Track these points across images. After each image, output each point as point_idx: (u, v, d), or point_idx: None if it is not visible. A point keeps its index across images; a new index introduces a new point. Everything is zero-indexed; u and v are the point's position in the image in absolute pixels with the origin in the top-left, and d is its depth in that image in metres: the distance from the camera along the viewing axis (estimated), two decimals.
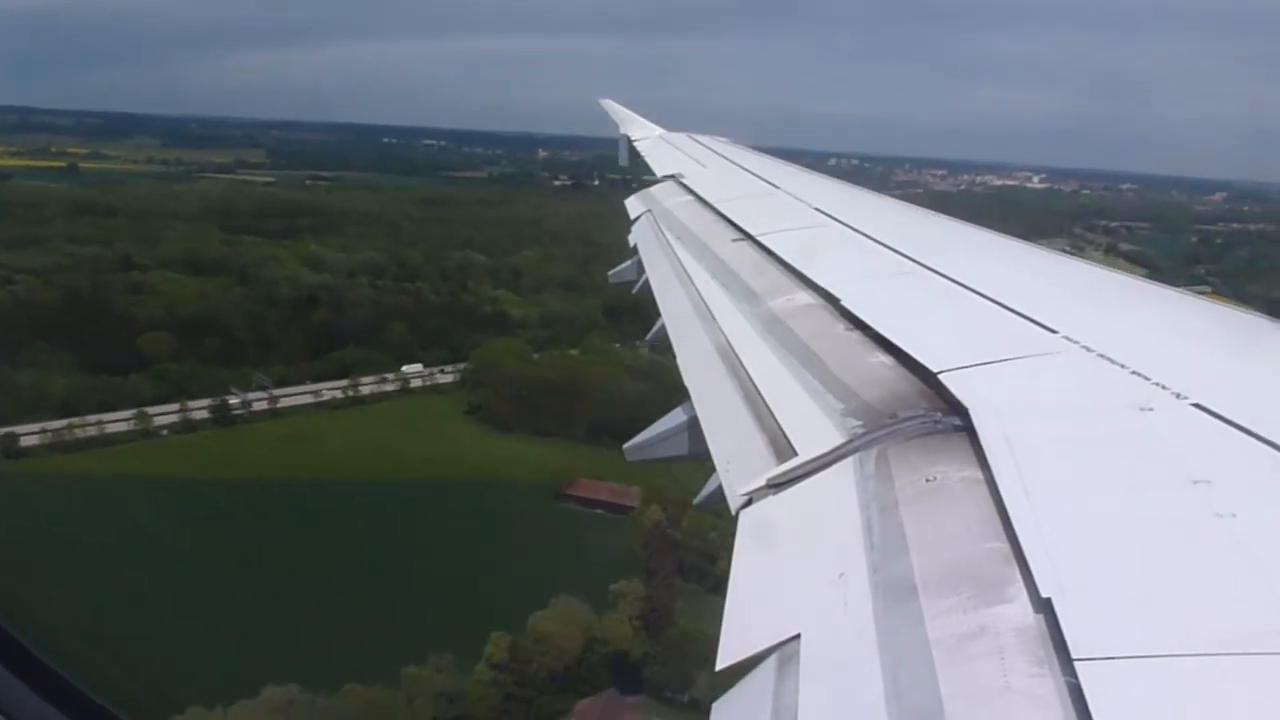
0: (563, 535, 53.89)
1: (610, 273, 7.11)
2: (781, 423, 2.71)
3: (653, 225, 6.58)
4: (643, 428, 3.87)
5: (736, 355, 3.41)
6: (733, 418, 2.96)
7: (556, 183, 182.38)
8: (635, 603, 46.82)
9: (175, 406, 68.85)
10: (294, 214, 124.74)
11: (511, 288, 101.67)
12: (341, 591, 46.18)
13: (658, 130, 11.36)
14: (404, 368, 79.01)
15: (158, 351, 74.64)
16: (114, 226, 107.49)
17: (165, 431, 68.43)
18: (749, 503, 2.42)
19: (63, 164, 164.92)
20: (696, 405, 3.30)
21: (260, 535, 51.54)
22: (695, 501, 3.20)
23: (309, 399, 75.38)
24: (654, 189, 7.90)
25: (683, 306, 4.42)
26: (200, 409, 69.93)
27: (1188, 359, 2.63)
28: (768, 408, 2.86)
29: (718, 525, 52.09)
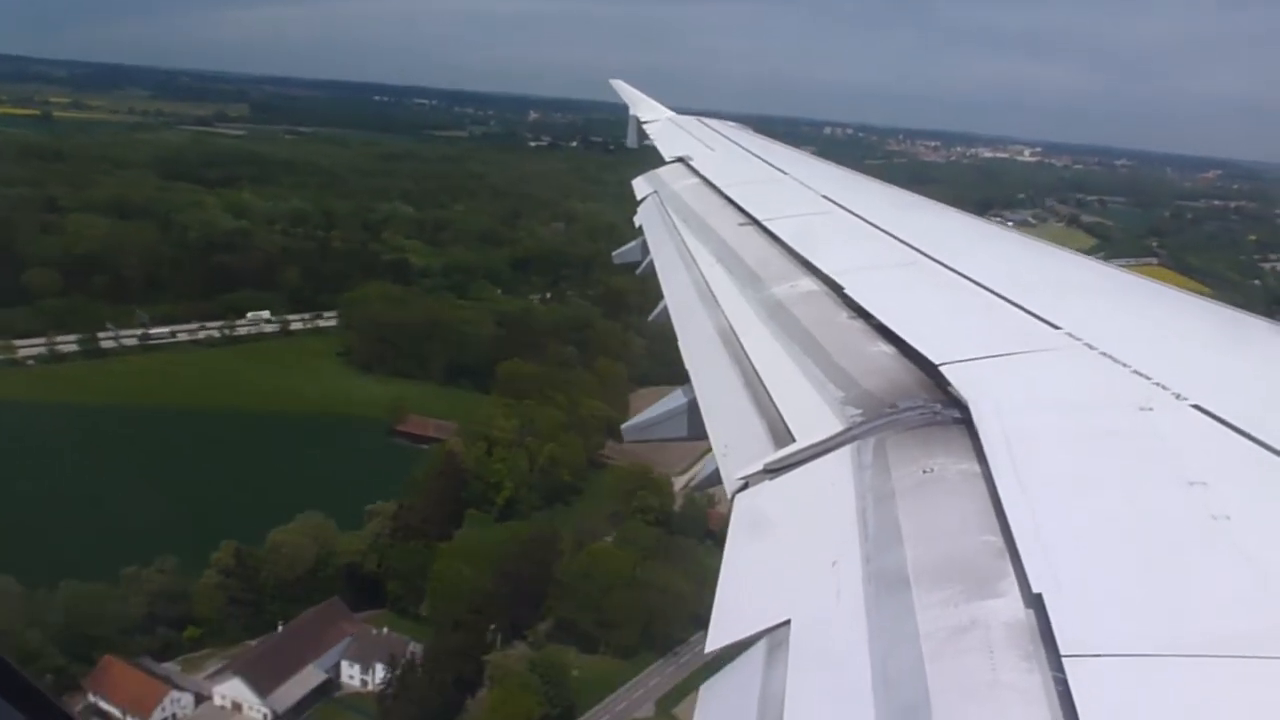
0: (369, 464, 56.20)
1: (615, 253, 7.12)
2: (780, 408, 2.70)
3: (659, 207, 6.52)
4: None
5: (738, 340, 3.39)
6: (732, 402, 2.94)
7: (533, 143, 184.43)
8: (385, 522, 49.02)
9: (44, 340, 70.81)
10: (242, 164, 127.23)
11: (428, 239, 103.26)
12: (122, 506, 47.78)
13: (667, 112, 11.28)
14: (249, 314, 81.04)
15: (43, 287, 75.62)
16: (54, 170, 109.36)
17: (31, 362, 69.79)
18: (745, 487, 2.40)
19: (38, 112, 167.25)
20: (696, 388, 3.28)
21: (68, 453, 53.46)
22: (692, 484, 3.16)
23: (186, 337, 77.46)
24: (661, 171, 7.83)
25: (686, 289, 4.38)
26: (69, 343, 71.47)
27: (1190, 360, 2.64)
28: (767, 393, 2.84)
29: (505, 459, 54.58)
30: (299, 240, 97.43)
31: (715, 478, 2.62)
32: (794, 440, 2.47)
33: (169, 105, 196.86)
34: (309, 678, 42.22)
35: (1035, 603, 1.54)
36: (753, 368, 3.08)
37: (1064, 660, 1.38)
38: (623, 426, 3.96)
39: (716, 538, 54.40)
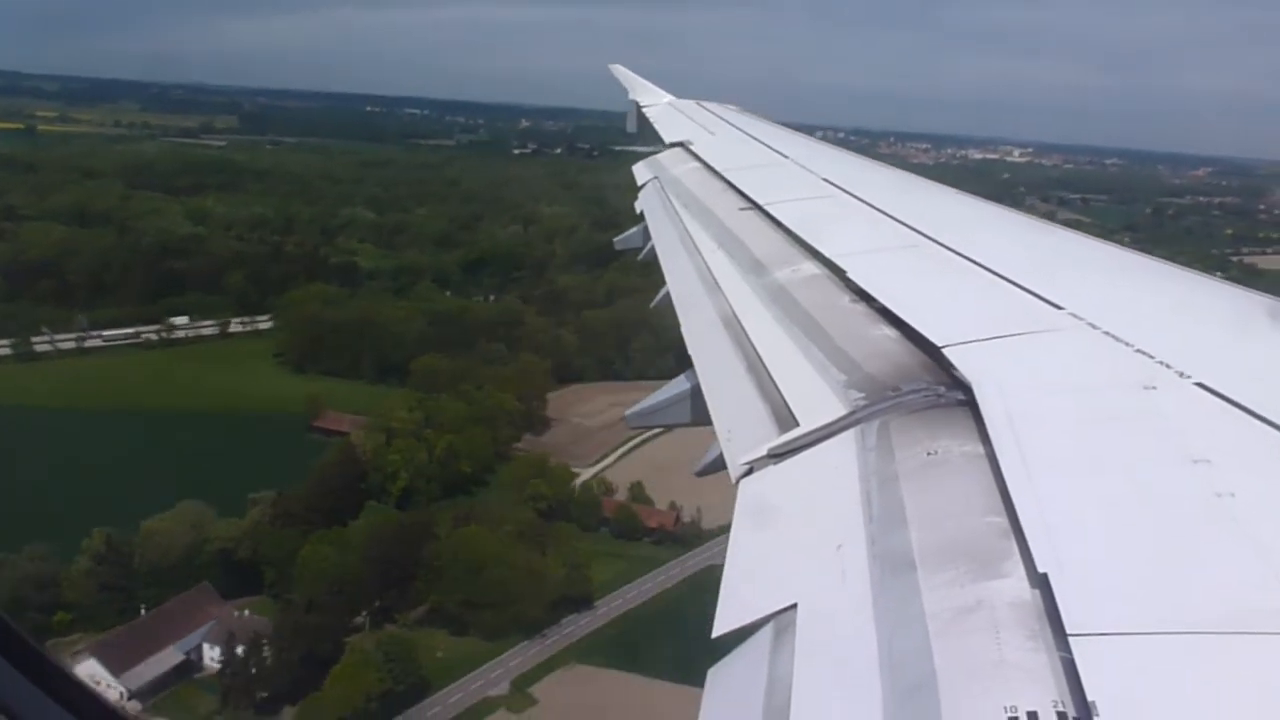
0: (278, 458, 57.80)
1: (616, 239, 7.08)
2: (784, 393, 2.69)
3: (659, 192, 6.49)
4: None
5: (741, 324, 3.38)
6: (735, 387, 2.94)
7: (517, 150, 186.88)
8: (265, 509, 50.73)
9: None
10: (212, 173, 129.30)
11: (384, 242, 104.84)
12: (10, 502, 48.36)
13: (667, 97, 11.16)
14: (171, 319, 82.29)
15: None
16: (20, 180, 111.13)
17: None
18: (749, 472, 2.40)
19: (23, 125, 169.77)
20: (700, 373, 3.27)
21: None
22: (696, 470, 3.14)
23: (127, 340, 78.25)
24: (661, 156, 7.79)
25: (688, 274, 4.36)
26: (2, 346, 72.82)
27: (1192, 338, 2.64)
28: (770, 378, 2.84)
29: (402, 450, 55.96)
30: (253, 245, 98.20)
31: (720, 463, 2.61)
32: (798, 425, 2.47)
33: (159, 118, 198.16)
34: (167, 658, 43.59)
35: (1040, 582, 1.54)
36: (755, 353, 3.07)
37: (1070, 639, 1.38)
38: (626, 413, 3.94)
39: (611, 524, 54.57)
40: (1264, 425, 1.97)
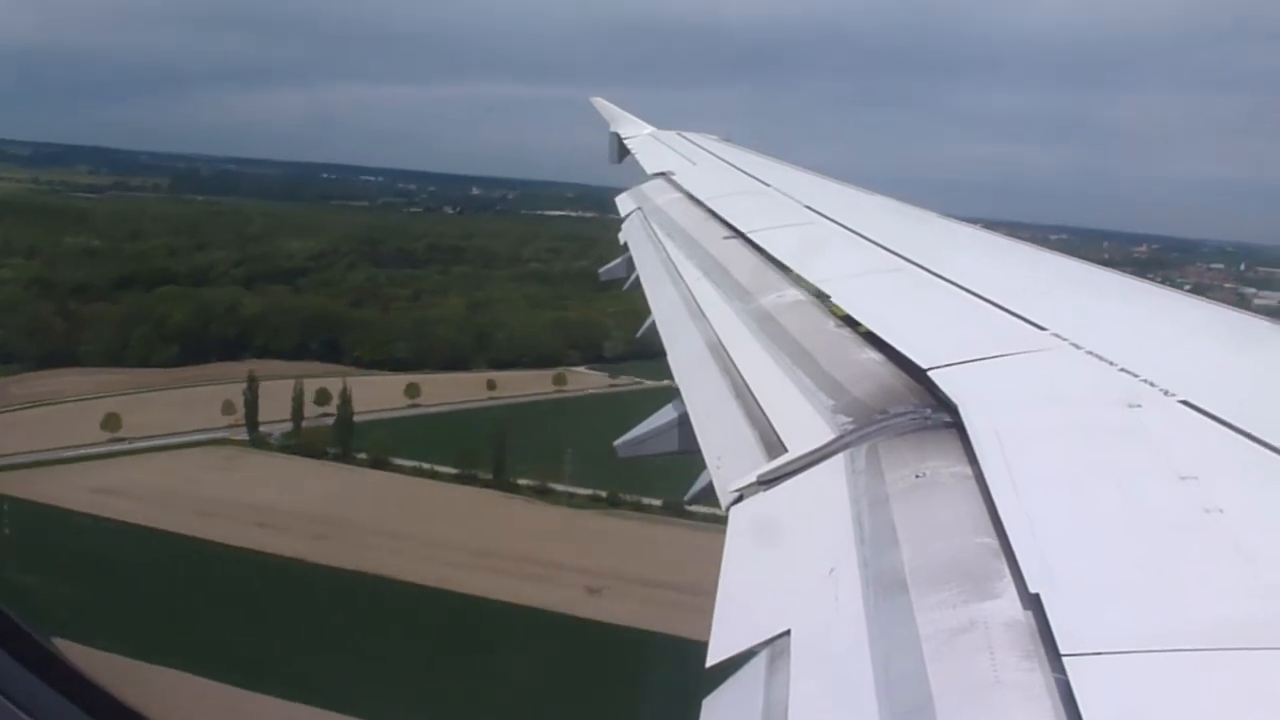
0: None
1: (601, 270, 7.10)
2: (772, 419, 2.70)
3: (643, 223, 6.55)
4: None
5: (727, 352, 3.40)
6: (723, 414, 2.95)
7: (409, 209, 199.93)
8: None
9: None
10: (22, 216, 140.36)
11: (73, 264, 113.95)
12: None
13: (648, 128, 11.18)
14: None
15: None
16: None
17: None
18: (740, 499, 2.40)
19: None
20: (687, 402, 3.29)
21: None
22: (685, 498, 3.13)
23: None
24: (644, 186, 7.87)
25: (673, 304, 4.41)
26: None
27: (1177, 356, 2.66)
28: (758, 404, 2.85)
29: None
30: None
31: (709, 491, 2.61)
32: (786, 450, 2.47)
33: (88, 178, 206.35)
34: None
35: (1033, 602, 1.54)
36: (742, 379, 3.09)
37: (1064, 659, 1.38)
38: (616, 443, 3.96)
39: None
40: (1249, 441, 1.98)
